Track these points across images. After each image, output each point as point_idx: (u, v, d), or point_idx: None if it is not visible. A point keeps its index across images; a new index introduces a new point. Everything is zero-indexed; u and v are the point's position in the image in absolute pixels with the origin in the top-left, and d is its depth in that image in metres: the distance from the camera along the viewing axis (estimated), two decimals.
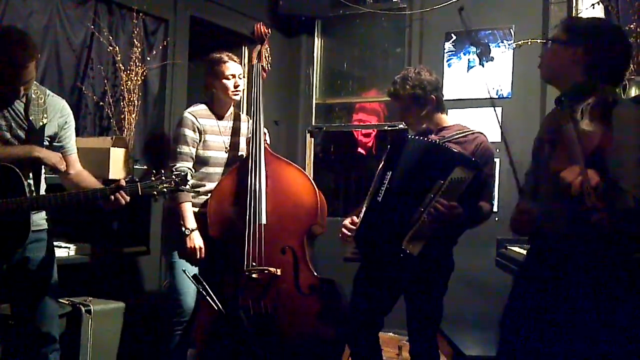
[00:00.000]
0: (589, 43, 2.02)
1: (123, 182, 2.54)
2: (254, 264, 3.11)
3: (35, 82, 2.63)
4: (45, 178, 2.77)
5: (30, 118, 2.59)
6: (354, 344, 2.96)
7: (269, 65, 3.55)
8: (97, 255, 3.67)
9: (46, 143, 2.67)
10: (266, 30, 3.55)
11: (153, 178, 2.58)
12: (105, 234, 3.87)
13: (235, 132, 3.46)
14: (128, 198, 2.54)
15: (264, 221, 3.16)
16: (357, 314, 2.92)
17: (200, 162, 3.34)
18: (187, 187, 2.65)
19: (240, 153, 3.44)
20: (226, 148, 3.41)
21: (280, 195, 3.23)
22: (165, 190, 2.57)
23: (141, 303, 3.70)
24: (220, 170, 3.39)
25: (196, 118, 3.32)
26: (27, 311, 2.71)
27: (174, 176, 2.59)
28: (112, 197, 2.52)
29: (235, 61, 3.39)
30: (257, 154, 3.23)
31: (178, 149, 3.29)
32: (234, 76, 3.35)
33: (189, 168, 3.26)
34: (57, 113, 2.71)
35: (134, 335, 3.50)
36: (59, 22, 3.87)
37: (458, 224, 2.69)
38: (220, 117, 3.42)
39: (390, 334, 4.51)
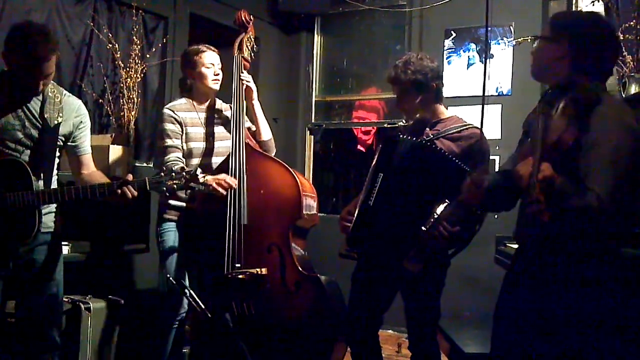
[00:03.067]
0: (572, 37, 1.97)
1: (130, 177, 2.55)
2: (237, 265, 3.07)
3: (52, 81, 2.63)
4: (57, 176, 2.77)
5: (45, 116, 2.60)
6: (354, 343, 2.93)
7: (251, 55, 3.41)
8: (97, 253, 3.66)
9: (60, 142, 2.68)
10: (248, 18, 3.42)
11: (162, 174, 2.58)
12: (105, 231, 3.87)
13: (217, 121, 3.39)
14: (135, 193, 2.54)
15: (245, 221, 3.11)
16: (356, 312, 2.89)
17: (184, 155, 3.28)
18: (199, 186, 2.65)
19: (224, 142, 3.35)
20: (210, 139, 3.34)
21: (261, 193, 3.16)
22: (175, 187, 2.57)
23: (141, 300, 3.70)
24: (205, 160, 3.31)
25: (174, 112, 3.26)
26: (29, 314, 2.68)
27: (184, 173, 2.58)
28: (119, 191, 2.52)
29: (213, 51, 3.32)
30: (238, 155, 3.16)
31: (163, 144, 3.24)
32: (212, 65, 3.28)
33: (178, 157, 3.21)
34: (73, 112, 2.70)
35: (134, 333, 3.50)
36: (58, 20, 3.87)
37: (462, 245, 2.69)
38: (201, 108, 3.36)
39: (390, 331, 4.51)
